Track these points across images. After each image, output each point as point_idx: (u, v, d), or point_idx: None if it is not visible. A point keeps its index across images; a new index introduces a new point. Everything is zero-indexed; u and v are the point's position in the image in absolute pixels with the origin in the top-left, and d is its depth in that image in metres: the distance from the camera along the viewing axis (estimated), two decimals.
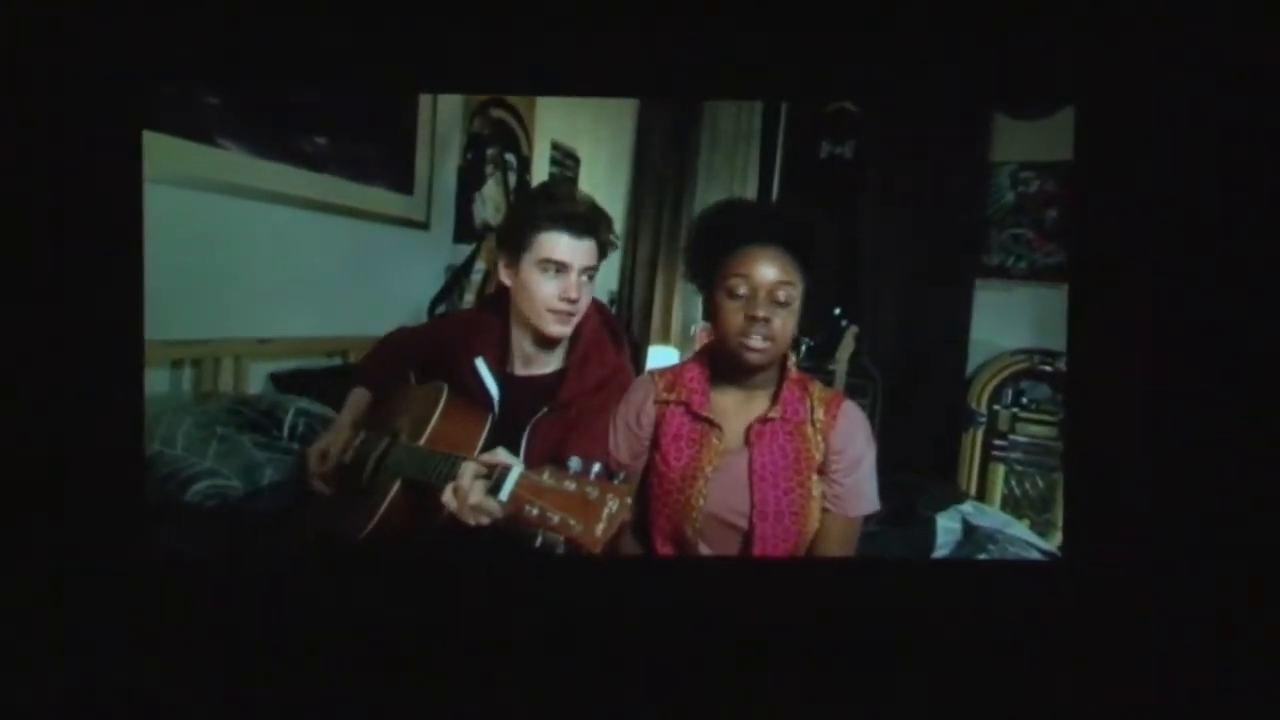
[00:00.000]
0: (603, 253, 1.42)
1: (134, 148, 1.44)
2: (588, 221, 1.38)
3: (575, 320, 1.40)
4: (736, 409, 1.37)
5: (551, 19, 1.49)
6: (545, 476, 1.08)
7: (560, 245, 1.36)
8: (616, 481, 1.06)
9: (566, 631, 1.51)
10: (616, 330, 1.49)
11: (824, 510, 1.34)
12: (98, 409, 1.46)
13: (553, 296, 1.37)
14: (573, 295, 1.37)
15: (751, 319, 1.28)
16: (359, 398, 1.56)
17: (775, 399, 1.36)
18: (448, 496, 1.15)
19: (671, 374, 1.41)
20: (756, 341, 1.29)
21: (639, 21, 1.50)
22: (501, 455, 1.20)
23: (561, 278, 1.37)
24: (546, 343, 1.43)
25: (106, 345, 1.45)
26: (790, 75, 1.59)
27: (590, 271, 1.40)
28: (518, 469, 1.11)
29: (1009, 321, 2.52)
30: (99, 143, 1.44)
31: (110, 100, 1.43)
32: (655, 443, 1.38)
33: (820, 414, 1.35)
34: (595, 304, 1.47)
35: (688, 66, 1.55)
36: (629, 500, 1.06)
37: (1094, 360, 1.58)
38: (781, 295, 1.29)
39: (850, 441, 1.35)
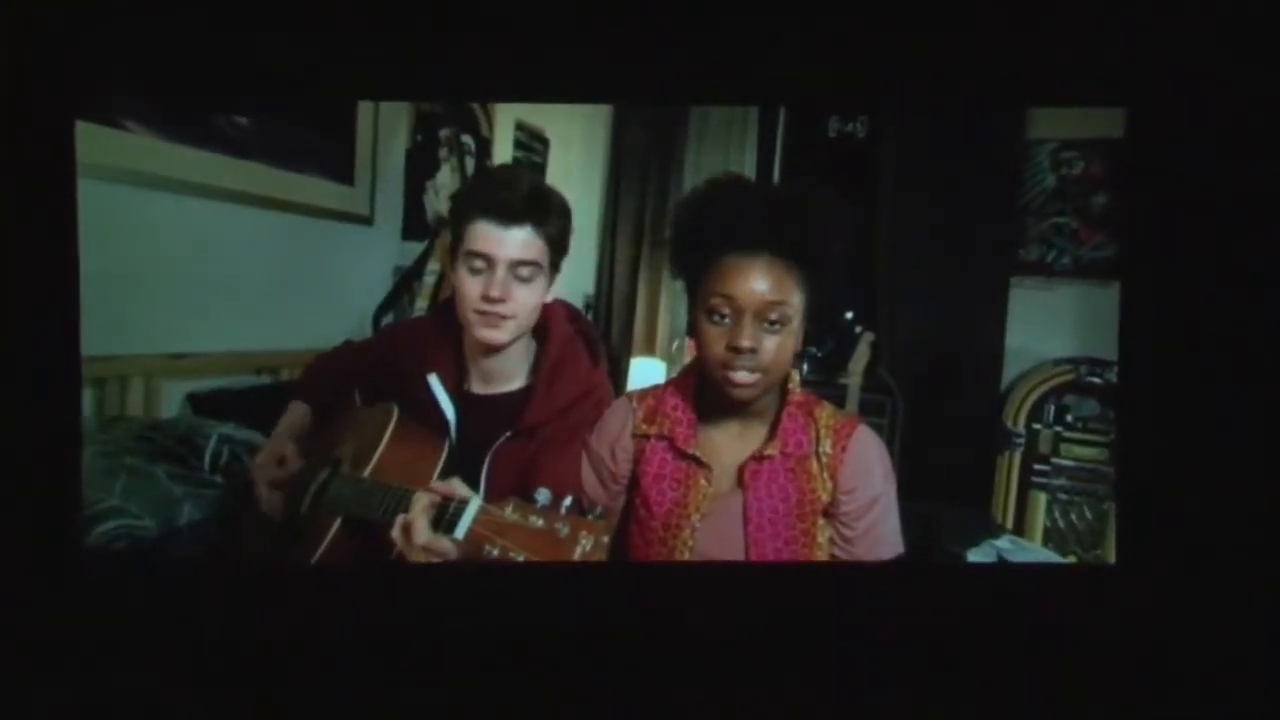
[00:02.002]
0: (553, 246, 1.40)
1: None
2: (518, 208, 1.36)
3: (510, 326, 1.39)
4: (729, 444, 1.36)
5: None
6: (508, 511, 1.10)
7: (484, 235, 1.36)
8: (591, 517, 1.08)
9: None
10: (591, 340, 1.51)
11: (832, 558, 1.33)
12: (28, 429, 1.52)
13: (475, 296, 1.37)
14: (493, 294, 1.35)
15: (734, 350, 1.24)
16: (297, 412, 1.58)
17: (773, 431, 1.34)
18: (396, 534, 1.17)
19: (652, 400, 1.40)
20: (742, 375, 1.26)
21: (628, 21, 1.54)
22: (457, 486, 1.21)
23: (486, 275, 1.36)
24: (487, 351, 1.43)
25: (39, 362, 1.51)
26: (793, 78, 1.63)
27: (525, 267, 1.37)
28: (476, 502, 1.13)
29: (1050, 326, 2.53)
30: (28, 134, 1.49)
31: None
32: (634, 482, 1.38)
33: (828, 445, 1.32)
34: (568, 310, 1.49)
35: (679, 67, 1.58)
36: (605, 539, 1.08)
37: (1150, 370, 1.60)
38: (774, 316, 1.25)
39: (863, 478, 1.33)
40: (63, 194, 1.49)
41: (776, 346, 1.26)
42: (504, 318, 1.38)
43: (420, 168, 2.41)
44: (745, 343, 1.24)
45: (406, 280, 2.29)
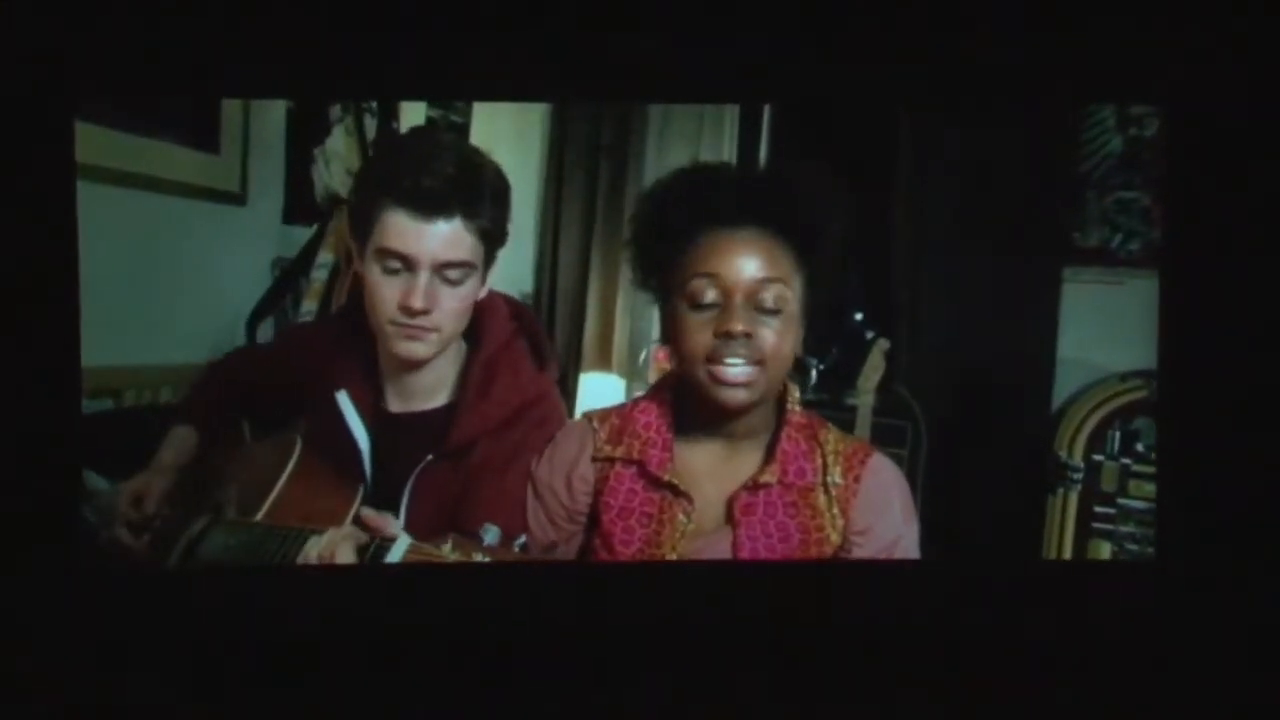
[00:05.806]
0: (488, 240, 1.46)
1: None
2: (442, 195, 1.40)
3: (435, 339, 1.46)
4: (713, 470, 1.44)
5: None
6: (446, 549, 1.18)
7: (400, 230, 1.41)
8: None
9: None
10: (538, 339, 1.57)
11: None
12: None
13: (392, 305, 1.43)
14: (415, 304, 1.41)
15: (726, 335, 1.31)
16: (183, 437, 1.63)
17: (770, 454, 1.41)
18: None
19: (617, 418, 1.47)
20: (736, 370, 1.33)
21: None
22: (376, 520, 1.29)
23: (404, 278, 1.42)
24: (407, 366, 1.50)
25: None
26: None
27: (454, 269, 1.43)
28: (405, 540, 1.21)
29: (1115, 330, 2.56)
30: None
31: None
32: (595, 518, 1.44)
33: (837, 475, 1.40)
34: (510, 305, 1.56)
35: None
36: None
37: (1197, 375, 1.72)
38: (769, 299, 1.33)
39: (880, 515, 1.42)
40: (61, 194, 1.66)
41: (776, 335, 1.34)
42: (428, 330, 1.44)
43: (306, 131, 2.41)
44: (738, 326, 1.31)
45: (289, 276, 2.30)
